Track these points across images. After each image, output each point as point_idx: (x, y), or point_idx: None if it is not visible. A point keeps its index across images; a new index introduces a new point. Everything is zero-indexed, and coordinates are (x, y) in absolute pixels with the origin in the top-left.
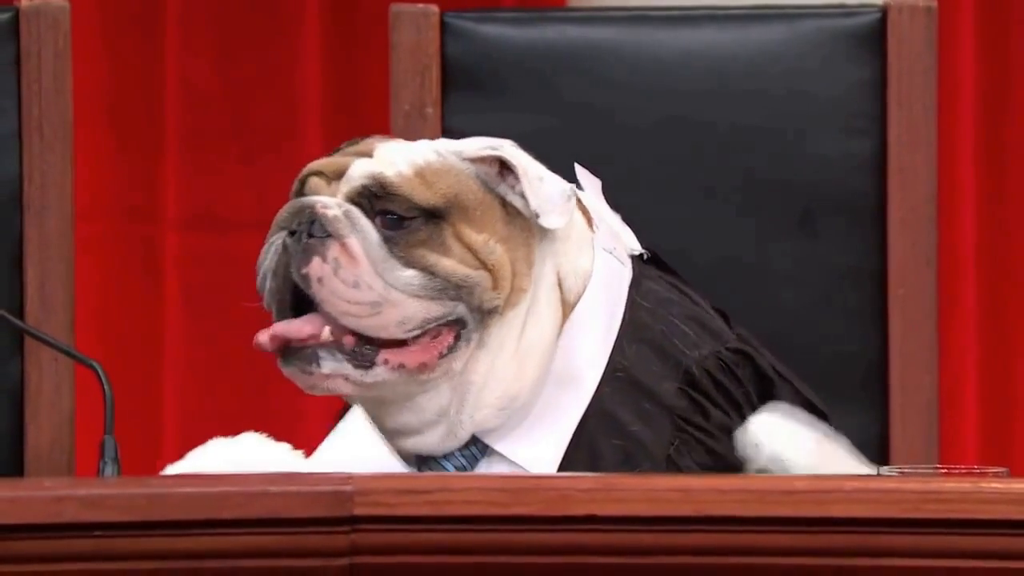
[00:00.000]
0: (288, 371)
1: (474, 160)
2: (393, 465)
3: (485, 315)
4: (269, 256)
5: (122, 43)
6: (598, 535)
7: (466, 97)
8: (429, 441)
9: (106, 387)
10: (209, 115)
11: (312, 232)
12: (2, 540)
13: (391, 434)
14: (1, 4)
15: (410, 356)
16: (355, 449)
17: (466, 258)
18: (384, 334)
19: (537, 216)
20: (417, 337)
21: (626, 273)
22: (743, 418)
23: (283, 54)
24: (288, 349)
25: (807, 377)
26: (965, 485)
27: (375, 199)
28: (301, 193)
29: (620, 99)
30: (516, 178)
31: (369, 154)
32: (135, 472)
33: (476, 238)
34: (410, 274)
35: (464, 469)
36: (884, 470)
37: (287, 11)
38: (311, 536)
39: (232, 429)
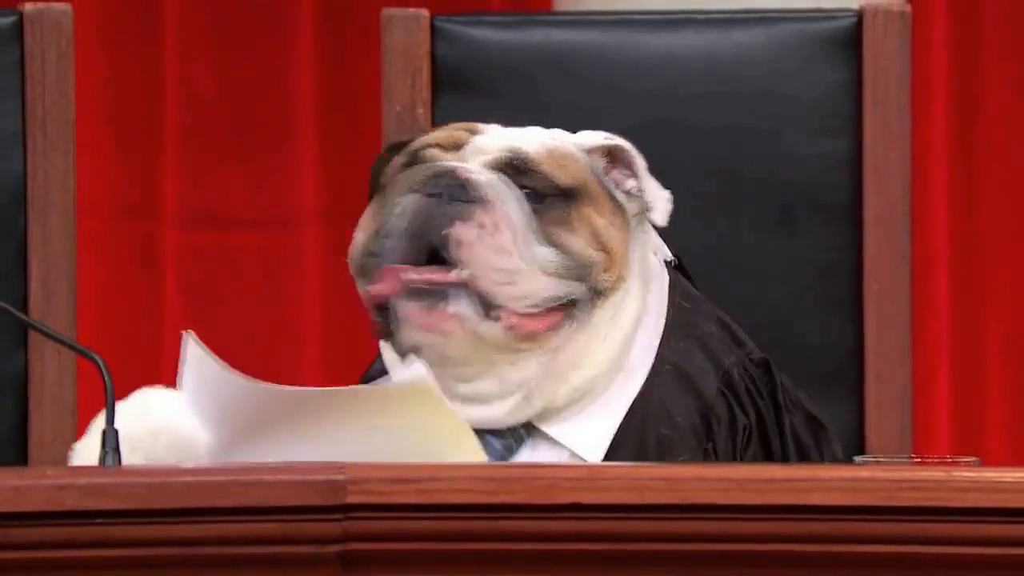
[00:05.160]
0: (409, 307)
1: (588, 150)
2: (230, 377)
3: (595, 296)
4: (395, 215)
5: (123, 45)
6: (583, 523)
7: (456, 98)
8: (497, 412)
9: (107, 379)
10: (207, 115)
11: (456, 196)
12: (5, 527)
13: (460, 400)
14: (5, 7)
15: (525, 321)
16: (198, 378)
17: (590, 240)
18: (509, 304)
19: (647, 209)
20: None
21: (665, 275)
22: (764, 427)
23: (278, 56)
24: (415, 290)
25: (785, 369)
26: (938, 474)
27: (516, 173)
28: (415, 163)
29: (603, 100)
30: (626, 170)
31: (477, 131)
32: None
33: (599, 221)
34: (547, 251)
35: (509, 448)
36: (859, 459)
37: (282, 15)
38: (305, 523)
39: None
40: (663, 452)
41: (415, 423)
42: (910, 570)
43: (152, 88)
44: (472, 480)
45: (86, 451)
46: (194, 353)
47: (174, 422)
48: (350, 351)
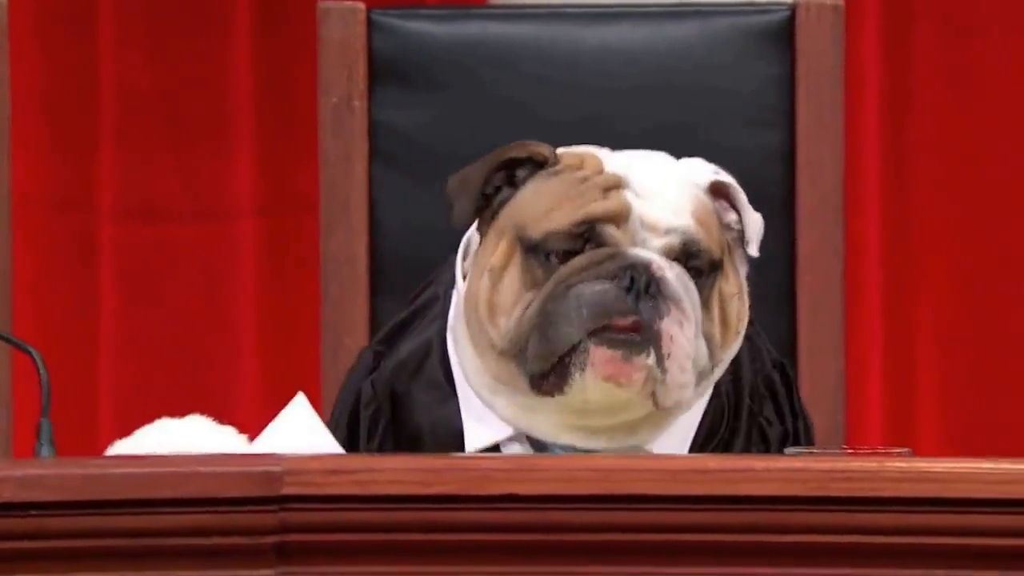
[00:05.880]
0: (602, 353)
1: (705, 189)
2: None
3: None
4: (589, 303)
5: (57, 39)
6: (517, 513)
7: (392, 91)
8: (603, 445)
9: (43, 372)
10: (143, 108)
11: (650, 291)
12: None
13: (568, 428)
14: None
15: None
16: (298, 437)
17: (717, 317)
18: (675, 390)
19: (746, 242)
20: None
21: None
22: (784, 428)
23: (215, 49)
24: (611, 337)
25: None
26: (870, 465)
27: (687, 257)
28: (591, 238)
29: (540, 93)
30: (727, 203)
31: (622, 184)
32: (70, 454)
33: (728, 294)
34: (702, 346)
35: None
36: (791, 450)
37: (219, 7)
38: (242, 515)
39: (166, 413)
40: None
41: None
42: (842, 560)
43: (87, 81)
44: (407, 471)
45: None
46: (300, 414)
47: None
48: (286, 344)
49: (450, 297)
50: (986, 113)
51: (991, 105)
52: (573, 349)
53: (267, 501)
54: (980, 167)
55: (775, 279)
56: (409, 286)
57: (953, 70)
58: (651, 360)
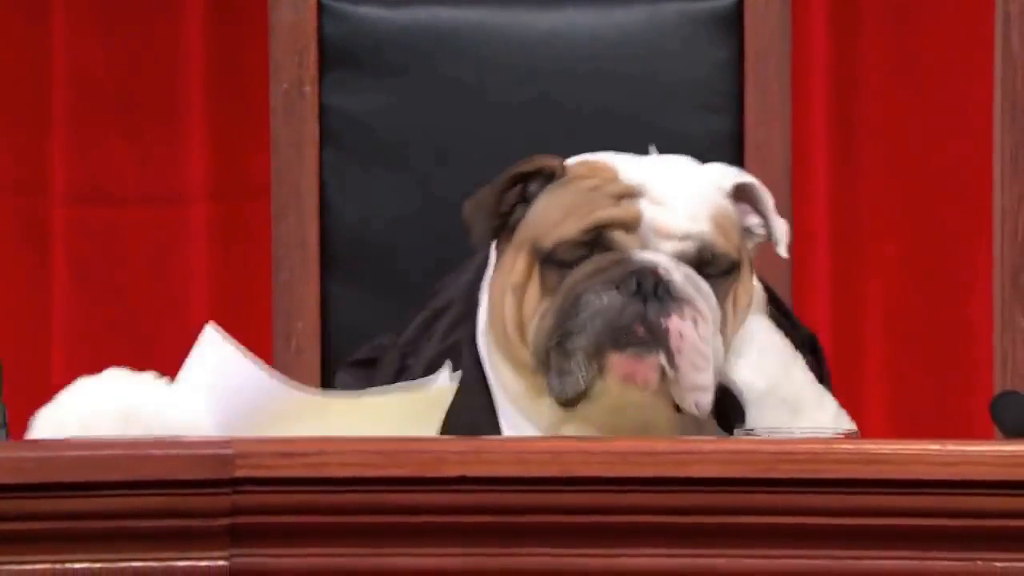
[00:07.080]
0: (616, 357)
1: (728, 193)
2: (258, 376)
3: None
4: (599, 310)
5: (10, 20)
6: (470, 495)
7: (343, 76)
8: None
9: None
10: (95, 92)
11: (658, 295)
12: None
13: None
14: None
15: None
16: (219, 372)
17: (730, 320)
18: (692, 395)
19: (778, 244)
20: None
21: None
22: None
23: (167, 32)
24: (625, 339)
25: None
26: (817, 446)
27: (701, 263)
28: (599, 244)
29: (490, 78)
30: (750, 206)
31: (637, 193)
32: (24, 437)
33: (742, 300)
34: (718, 344)
35: None
36: (740, 432)
37: None
38: (194, 497)
39: None
40: None
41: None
42: (789, 541)
43: (40, 64)
44: (360, 454)
45: (52, 420)
46: (213, 346)
47: (150, 410)
48: (237, 328)
49: (475, 302)
50: (934, 98)
51: (939, 90)
52: (590, 359)
53: (219, 484)
54: (928, 152)
55: None
56: (360, 270)
57: (901, 55)
58: (662, 359)
